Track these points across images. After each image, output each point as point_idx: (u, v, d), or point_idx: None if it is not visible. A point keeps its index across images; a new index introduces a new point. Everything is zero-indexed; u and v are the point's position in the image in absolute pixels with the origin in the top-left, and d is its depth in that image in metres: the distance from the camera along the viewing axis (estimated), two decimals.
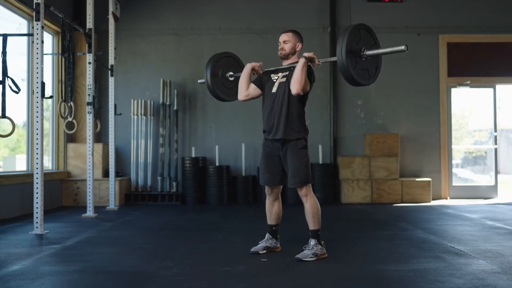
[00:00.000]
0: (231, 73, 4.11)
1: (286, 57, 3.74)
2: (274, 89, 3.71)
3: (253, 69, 3.84)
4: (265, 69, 3.87)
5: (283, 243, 3.98)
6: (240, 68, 4.12)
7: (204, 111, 7.96)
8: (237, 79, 4.05)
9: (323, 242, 3.65)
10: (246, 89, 3.80)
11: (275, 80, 3.74)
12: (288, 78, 3.66)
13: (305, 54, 3.56)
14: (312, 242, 3.58)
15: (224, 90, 4.11)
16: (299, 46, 3.75)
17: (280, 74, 3.74)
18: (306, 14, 8.02)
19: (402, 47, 3.26)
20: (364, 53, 3.36)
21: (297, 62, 3.67)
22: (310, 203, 3.61)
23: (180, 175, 7.74)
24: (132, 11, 7.90)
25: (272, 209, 3.82)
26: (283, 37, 3.74)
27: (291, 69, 3.68)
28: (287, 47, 3.72)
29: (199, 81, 4.29)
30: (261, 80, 3.81)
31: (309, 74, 3.62)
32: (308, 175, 3.62)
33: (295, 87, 3.51)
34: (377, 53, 3.40)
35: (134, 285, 2.94)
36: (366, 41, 3.39)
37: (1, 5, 5.94)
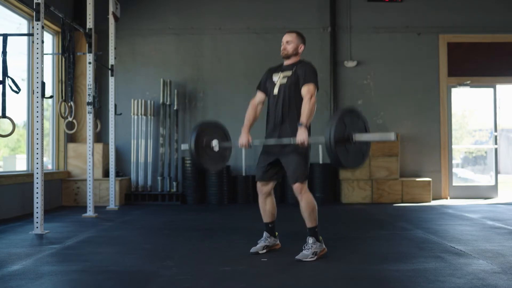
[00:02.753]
0: (215, 142, 3.89)
1: (288, 57, 3.75)
2: (275, 91, 3.72)
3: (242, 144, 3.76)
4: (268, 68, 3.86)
5: (283, 243, 3.98)
6: (226, 137, 4.01)
7: (204, 111, 7.96)
8: (221, 150, 3.94)
9: (321, 237, 3.64)
10: (254, 112, 3.83)
11: (275, 81, 3.74)
12: (289, 79, 3.67)
13: (299, 142, 3.48)
14: (310, 240, 3.57)
15: (208, 160, 3.91)
16: (301, 48, 3.76)
17: (281, 74, 3.74)
18: (306, 14, 8.02)
19: (391, 135, 3.24)
20: (353, 139, 3.33)
21: (297, 62, 3.72)
22: (305, 200, 3.61)
23: (180, 175, 7.75)
24: (132, 11, 7.90)
25: (265, 206, 3.82)
26: (287, 37, 3.74)
27: (292, 70, 3.69)
28: (290, 48, 3.72)
29: (182, 147, 4.06)
30: (265, 84, 3.81)
31: (316, 81, 3.64)
32: (306, 172, 3.62)
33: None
34: (365, 140, 3.40)
35: (134, 285, 2.94)
36: (352, 124, 3.36)
37: (1, 5, 5.94)
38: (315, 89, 3.61)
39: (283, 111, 3.66)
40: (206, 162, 3.89)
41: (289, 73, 3.70)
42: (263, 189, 3.79)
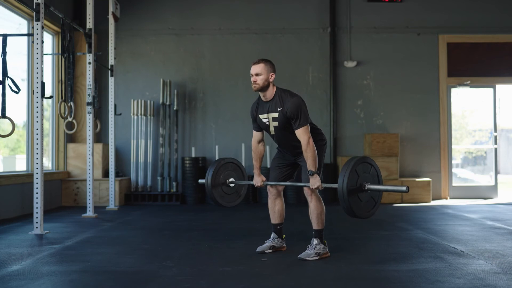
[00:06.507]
0: (232, 179, 4.02)
1: (261, 90, 3.58)
2: (272, 132, 3.67)
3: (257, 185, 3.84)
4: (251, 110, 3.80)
5: None
6: (242, 173, 4.11)
7: (204, 111, 7.96)
8: (237, 186, 4.06)
9: (326, 241, 3.66)
10: (258, 152, 3.83)
11: (266, 122, 3.64)
12: (279, 121, 3.57)
13: (314, 187, 3.53)
14: (315, 241, 3.58)
15: (223, 196, 4.02)
16: (272, 77, 3.58)
17: (268, 116, 3.62)
18: (306, 14, 8.02)
19: (404, 188, 3.22)
20: (365, 187, 3.34)
21: (277, 96, 3.58)
22: (314, 202, 3.62)
23: (180, 175, 7.75)
24: (132, 11, 7.90)
25: (275, 207, 3.83)
26: (255, 69, 3.56)
27: (277, 111, 3.57)
28: (260, 80, 3.55)
29: (199, 181, 4.14)
30: (256, 123, 3.75)
31: (306, 117, 3.54)
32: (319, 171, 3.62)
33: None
34: (378, 189, 3.38)
35: (134, 285, 2.94)
36: (364, 172, 3.36)
37: (1, 5, 5.94)
38: (308, 128, 3.53)
39: (289, 145, 3.68)
40: (221, 199, 4.01)
41: (275, 114, 3.57)
42: (273, 190, 3.80)
